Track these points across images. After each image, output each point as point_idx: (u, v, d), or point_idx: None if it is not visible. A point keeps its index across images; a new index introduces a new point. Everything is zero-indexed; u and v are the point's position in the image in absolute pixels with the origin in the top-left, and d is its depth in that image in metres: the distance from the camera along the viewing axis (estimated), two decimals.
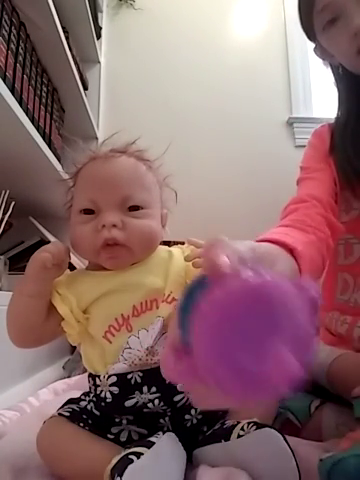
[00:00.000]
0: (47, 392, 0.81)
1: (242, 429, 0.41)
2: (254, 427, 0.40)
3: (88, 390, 0.51)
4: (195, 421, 0.47)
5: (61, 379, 0.93)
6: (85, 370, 0.53)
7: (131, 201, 0.48)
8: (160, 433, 0.42)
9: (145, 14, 1.90)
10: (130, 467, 0.34)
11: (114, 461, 0.37)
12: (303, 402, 0.55)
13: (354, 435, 0.42)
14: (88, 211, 0.48)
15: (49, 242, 1.16)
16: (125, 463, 0.35)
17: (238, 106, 1.83)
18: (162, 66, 1.86)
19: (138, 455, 0.36)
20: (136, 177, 0.49)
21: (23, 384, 0.85)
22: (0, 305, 0.74)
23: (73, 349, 1.18)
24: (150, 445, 0.38)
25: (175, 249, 0.54)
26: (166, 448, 0.39)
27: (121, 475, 0.34)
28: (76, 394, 0.54)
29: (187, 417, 0.46)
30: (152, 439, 0.39)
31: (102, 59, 1.83)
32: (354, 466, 0.34)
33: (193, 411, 0.47)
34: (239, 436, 0.40)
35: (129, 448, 0.38)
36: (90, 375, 0.49)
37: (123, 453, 0.37)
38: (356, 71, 0.66)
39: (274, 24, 1.94)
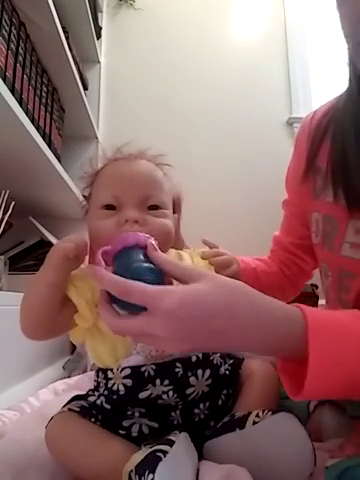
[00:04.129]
0: (47, 392, 0.81)
1: (257, 416, 0.42)
2: (269, 413, 0.42)
3: (95, 386, 0.52)
4: (203, 416, 0.48)
5: (61, 379, 0.92)
6: (85, 370, 0.54)
7: (151, 200, 0.50)
8: (177, 432, 0.42)
9: (145, 14, 1.90)
10: (161, 464, 0.35)
11: (136, 459, 0.38)
12: (301, 401, 0.55)
13: (357, 439, 0.42)
14: (110, 207, 0.50)
15: (49, 242, 1.16)
16: (155, 460, 0.36)
17: (238, 106, 1.83)
18: (162, 66, 1.86)
19: (164, 453, 0.37)
20: (156, 179, 0.52)
21: (23, 384, 0.85)
22: (0, 305, 0.74)
23: (73, 349, 1.18)
24: (171, 443, 0.39)
25: (184, 252, 0.56)
26: (184, 447, 0.40)
27: (153, 471, 0.34)
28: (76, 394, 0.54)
29: (196, 411, 0.48)
30: (171, 437, 0.40)
31: (102, 59, 1.83)
32: None
33: (202, 405, 0.48)
34: (254, 423, 0.42)
35: (150, 445, 0.39)
36: (100, 370, 0.50)
37: (148, 450, 0.38)
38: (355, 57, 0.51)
39: (274, 24, 1.94)
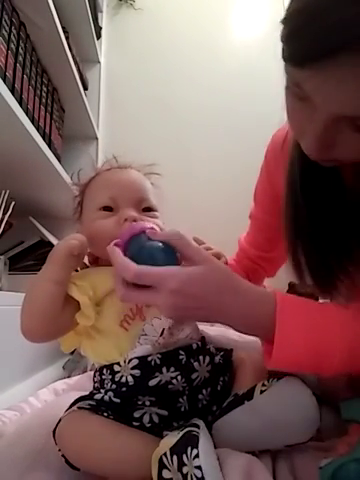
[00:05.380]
0: (47, 392, 0.81)
1: (263, 385, 0.46)
2: (275, 379, 0.45)
3: (98, 385, 0.52)
4: (205, 402, 0.50)
5: (61, 379, 0.92)
6: (85, 370, 0.54)
7: (146, 203, 0.55)
8: (196, 418, 0.45)
9: (145, 14, 1.90)
10: (202, 439, 0.37)
11: (170, 442, 0.38)
12: None
13: (348, 439, 0.43)
14: (107, 208, 0.54)
15: (49, 242, 1.16)
16: (194, 438, 0.38)
17: (238, 106, 1.83)
18: (162, 66, 1.86)
19: (197, 432, 0.39)
20: (148, 186, 0.58)
21: (23, 384, 0.85)
22: (0, 305, 0.74)
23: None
24: (197, 426, 0.41)
25: None
26: (206, 431, 0.42)
27: (196, 446, 0.36)
28: (76, 394, 0.53)
29: (200, 397, 0.50)
30: (195, 422, 0.43)
31: (102, 59, 1.83)
32: (355, 471, 0.34)
33: (204, 391, 0.50)
34: (262, 392, 0.45)
35: (177, 429, 0.41)
36: (104, 367, 0.51)
37: (180, 432, 0.39)
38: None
39: (274, 24, 1.92)
